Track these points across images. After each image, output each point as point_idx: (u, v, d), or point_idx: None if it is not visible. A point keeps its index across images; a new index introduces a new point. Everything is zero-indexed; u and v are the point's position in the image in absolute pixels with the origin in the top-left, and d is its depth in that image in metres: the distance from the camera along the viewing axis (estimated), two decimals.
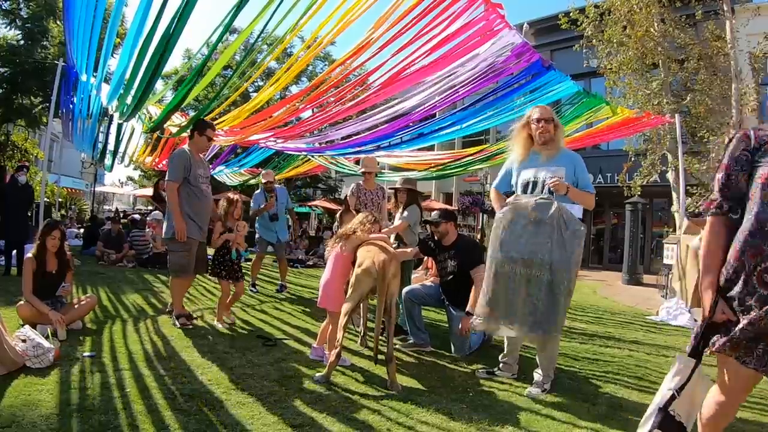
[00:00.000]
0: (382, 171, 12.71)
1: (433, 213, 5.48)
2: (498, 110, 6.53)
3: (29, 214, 9.34)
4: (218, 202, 6.25)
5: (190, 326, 5.57)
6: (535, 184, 4.17)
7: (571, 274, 3.94)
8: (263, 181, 8.97)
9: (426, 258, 7.48)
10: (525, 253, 3.91)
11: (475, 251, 5.35)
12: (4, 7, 17.01)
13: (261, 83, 22.58)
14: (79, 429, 2.91)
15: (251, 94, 20.02)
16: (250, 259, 10.84)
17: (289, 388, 3.85)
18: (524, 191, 4.21)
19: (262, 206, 8.51)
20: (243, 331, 5.59)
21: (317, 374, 4.10)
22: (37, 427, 2.86)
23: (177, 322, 5.56)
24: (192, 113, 8.22)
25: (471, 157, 9.80)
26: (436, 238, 5.42)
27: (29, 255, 5.09)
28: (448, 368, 4.72)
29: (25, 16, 17.05)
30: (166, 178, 5.64)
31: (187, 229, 5.53)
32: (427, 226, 5.67)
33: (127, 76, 5.22)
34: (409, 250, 5.54)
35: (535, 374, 4.26)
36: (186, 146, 5.87)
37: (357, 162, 12.45)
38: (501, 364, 4.56)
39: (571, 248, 3.90)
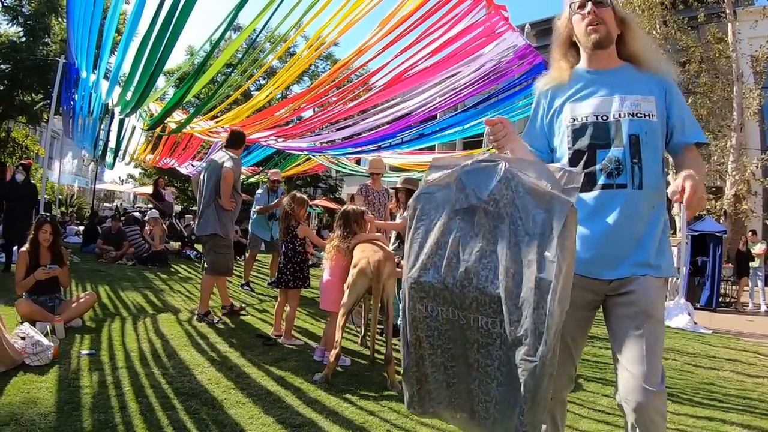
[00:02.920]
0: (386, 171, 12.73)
1: None
2: (500, 112, 6.53)
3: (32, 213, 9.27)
4: None
5: (216, 321, 5.81)
6: (601, 128, 2.20)
7: (552, 319, 1.68)
8: (272, 179, 8.94)
9: None
10: (451, 277, 1.88)
11: None
12: (5, 4, 17.03)
13: (263, 82, 22.61)
14: (78, 427, 2.89)
15: (253, 92, 20.03)
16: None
17: (288, 388, 3.84)
18: (577, 139, 2.24)
19: (271, 204, 8.44)
20: (242, 331, 5.58)
21: (317, 374, 4.09)
22: (35, 425, 2.85)
23: (205, 319, 5.79)
24: (193, 110, 8.21)
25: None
26: None
27: (23, 249, 5.10)
28: None
29: (26, 13, 17.07)
30: (229, 167, 5.83)
31: (229, 230, 5.98)
32: None
33: (126, 71, 5.23)
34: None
35: None
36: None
37: (357, 161, 12.45)
38: None
39: (543, 259, 1.74)
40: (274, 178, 8.85)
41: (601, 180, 2.18)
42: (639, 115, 2.18)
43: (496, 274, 1.80)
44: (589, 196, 2.19)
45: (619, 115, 2.19)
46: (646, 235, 2.14)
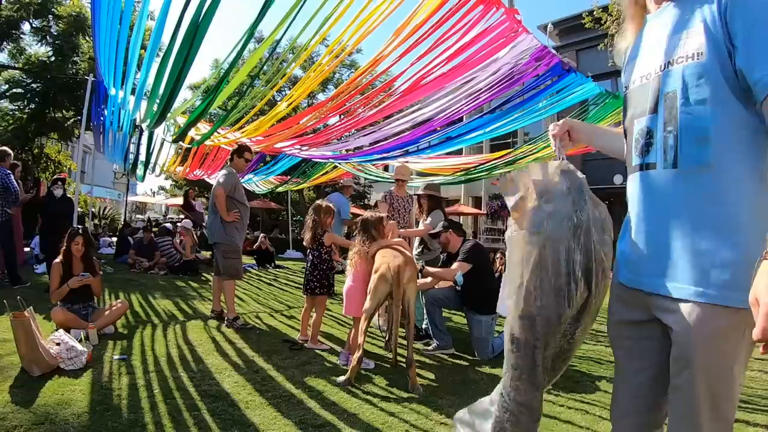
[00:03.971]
0: (412, 177, 12.78)
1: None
2: (524, 112, 6.53)
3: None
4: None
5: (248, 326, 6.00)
6: (641, 91, 1.67)
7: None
8: (353, 187, 9.12)
9: None
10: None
11: (470, 249, 5.40)
12: (34, 25, 17.53)
13: (286, 91, 22.84)
14: (109, 426, 3.01)
15: (278, 101, 20.28)
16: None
17: (312, 390, 3.92)
18: (624, 115, 1.80)
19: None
20: (269, 336, 5.69)
21: (340, 377, 4.17)
22: (69, 425, 2.97)
23: (235, 324, 5.93)
24: (218, 121, 8.38)
25: (497, 161, 9.80)
26: (441, 249, 5.68)
27: (56, 260, 5.27)
28: (471, 371, 4.73)
29: (55, 33, 17.55)
30: (220, 183, 6.12)
31: (235, 238, 6.17)
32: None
33: (150, 84, 5.38)
34: (429, 280, 5.51)
35: None
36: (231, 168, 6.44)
37: (385, 168, 12.51)
38: None
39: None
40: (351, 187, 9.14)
41: (632, 160, 1.68)
42: (679, 59, 1.50)
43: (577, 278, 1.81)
44: (628, 183, 1.73)
45: (660, 67, 1.58)
46: (691, 236, 1.47)
